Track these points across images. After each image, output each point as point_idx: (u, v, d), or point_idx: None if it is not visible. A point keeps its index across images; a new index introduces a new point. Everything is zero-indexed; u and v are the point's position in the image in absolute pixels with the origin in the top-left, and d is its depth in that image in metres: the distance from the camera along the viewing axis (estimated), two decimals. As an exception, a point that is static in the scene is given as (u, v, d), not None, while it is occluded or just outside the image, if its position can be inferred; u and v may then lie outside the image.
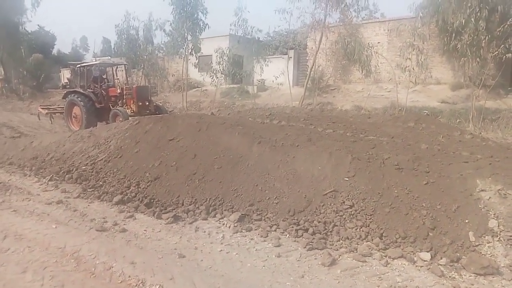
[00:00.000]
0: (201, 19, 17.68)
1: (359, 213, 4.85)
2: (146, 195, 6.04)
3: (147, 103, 12.83)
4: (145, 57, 23.90)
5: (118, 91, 13.05)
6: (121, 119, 11.63)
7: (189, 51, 17.44)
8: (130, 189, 6.29)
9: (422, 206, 4.77)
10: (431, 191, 4.95)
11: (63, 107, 14.77)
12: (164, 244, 4.45)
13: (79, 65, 15.00)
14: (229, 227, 4.98)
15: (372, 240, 4.47)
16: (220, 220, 5.19)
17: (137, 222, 5.16)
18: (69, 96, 13.82)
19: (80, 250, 4.17)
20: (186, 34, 17.20)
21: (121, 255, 4.06)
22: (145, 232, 4.82)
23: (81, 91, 13.56)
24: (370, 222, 4.72)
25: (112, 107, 12.85)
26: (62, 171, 7.46)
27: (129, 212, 5.50)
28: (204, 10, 17.80)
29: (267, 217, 5.15)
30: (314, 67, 16.31)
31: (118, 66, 15.55)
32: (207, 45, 20.80)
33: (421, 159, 5.69)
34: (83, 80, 14.16)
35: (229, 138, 6.86)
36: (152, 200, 5.83)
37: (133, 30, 22.27)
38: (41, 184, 6.97)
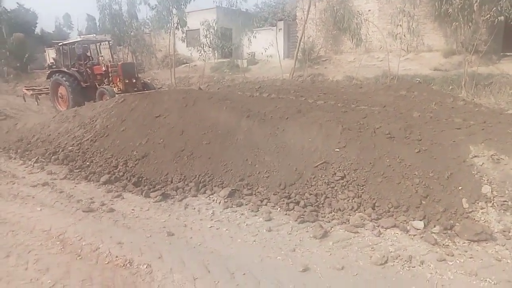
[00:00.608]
0: (186, -9, 17.01)
1: (351, 184, 4.77)
2: (134, 174, 5.91)
3: (134, 80, 12.45)
4: (130, 33, 23.18)
5: (103, 68, 12.61)
6: (107, 98, 11.33)
7: (175, 25, 16.84)
8: (118, 168, 6.15)
9: (415, 174, 4.69)
10: (423, 159, 4.86)
11: (48, 88, 14.37)
12: (152, 223, 4.35)
13: (61, 44, 14.44)
14: (219, 203, 4.88)
15: (365, 210, 4.41)
16: (210, 197, 5.09)
17: (125, 201, 5.04)
18: (54, 76, 13.38)
19: (65, 232, 4.06)
20: (171, 7, 16.56)
21: (108, 236, 3.95)
22: (133, 211, 4.71)
23: (66, 70, 13.13)
24: (362, 192, 4.65)
25: (99, 85, 12.46)
26: (48, 153, 7.27)
27: (117, 191, 5.37)
28: (189, -19, 17.11)
29: (258, 192, 5.06)
30: (303, 38, 15.83)
31: (102, 43, 15.03)
32: (194, 18, 20.17)
33: (413, 127, 5.58)
34: (67, 59, 13.67)
35: (217, 113, 6.67)
36: (140, 179, 5.70)
37: (116, 5, 21.42)
38: (26, 167, 6.80)
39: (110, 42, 15.28)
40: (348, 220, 4.24)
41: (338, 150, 5.23)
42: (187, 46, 23.46)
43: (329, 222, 4.28)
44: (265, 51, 15.80)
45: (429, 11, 16.16)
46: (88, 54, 14.37)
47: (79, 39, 13.71)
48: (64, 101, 13.15)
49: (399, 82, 11.50)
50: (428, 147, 5.04)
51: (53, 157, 7.05)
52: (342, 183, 4.81)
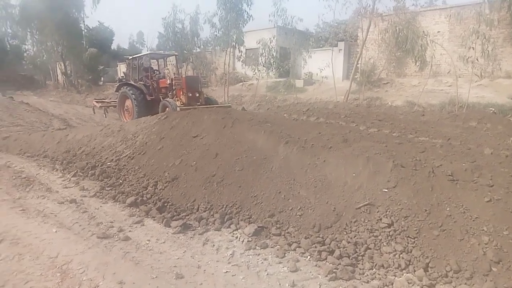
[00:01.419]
0: (245, 11, 17.07)
1: (399, 234, 3.95)
2: (161, 197, 5.58)
3: (197, 94, 12.21)
4: (193, 51, 23.80)
5: (168, 81, 12.53)
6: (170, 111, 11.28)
7: (233, 44, 16.89)
8: (147, 190, 5.88)
9: (483, 230, 3.76)
10: (495, 211, 3.91)
11: (116, 101, 14.65)
12: (164, 260, 3.89)
13: (130, 58, 14.88)
14: (242, 241, 4.32)
15: (414, 271, 3.57)
16: (234, 232, 4.54)
17: (144, 229, 4.66)
18: (122, 88, 13.64)
19: (71, 261, 3.73)
20: (229, 27, 16.67)
21: (112, 271, 3.55)
22: (148, 242, 4.30)
23: (133, 83, 13.34)
24: (413, 247, 3.81)
25: (163, 99, 12.39)
26: (88, 167, 7.26)
27: (139, 216, 5.04)
28: (249, 1, 17.17)
29: (288, 232, 4.41)
30: (361, 58, 14.96)
31: (169, 57, 15.17)
32: (253, 37, 20.15)
33: (483, 169, 4.60)
34: (135, 73, 13.94)
35: (254, 136, 6.17)
36: (165, 204, 5.34)
37: (179, 23, 22.16)
38: (63, 180, 6.78)
39: (176, 55, 15.40)
40: (392, 283, 3.43)
41: (386, 190, 4.44)
42: (242, 65, 23.50)
43: (367, 282, 3.50)
44: (321, 71, 15.13)
45: (508, 33, 14.53)
46: (156, 68, 14.65)
47: (147, 52, 14.04)
48: (129, 114, 13.27)
49: (469, 111, 10.20)
50: (502, 196, 4.07)
51: (90, 171, 7.00)
52: (389, 232, 4.01)
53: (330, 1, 14.43)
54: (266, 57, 15.69)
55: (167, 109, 11.58)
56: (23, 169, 7.36)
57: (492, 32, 11.58)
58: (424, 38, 12.23)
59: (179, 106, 11.29)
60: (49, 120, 16.45)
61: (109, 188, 6.15)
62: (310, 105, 11.52)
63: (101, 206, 5.45)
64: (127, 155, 7.42)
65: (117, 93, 14.19)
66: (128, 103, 13.28)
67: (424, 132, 7.02)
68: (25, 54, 42.37)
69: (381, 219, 4.14)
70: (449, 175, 4.43)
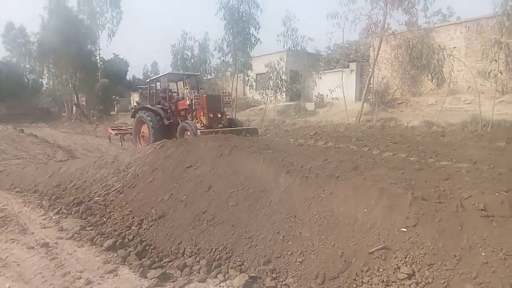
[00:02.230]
0: (253, 34, 16.76)
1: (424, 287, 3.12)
2: (144, 238, 4.90)
3: (219, 115, 11.06)
4: (204, 78, 23.61)
5: (188, 102, 11.43)
6: (189, 134, 10.27)
7: (239, 68, 16.51)
8: (131, 229, 5.22)
9: (533, 283, 2.91)
10: (546, 257, 3.06)
11: (132, 128, 13.69)
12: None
13: (147, 81, 14.13)
14: (230, 297, 3.54)
15: None
16: (221, 285, 3.77)
17: (115, 281, 3.94)
18: (138, 113, 12.60)
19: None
20: (236, 50, 16.33)
21: None
22: (115, 300, 3.57)
23: (150, 107, 12.37)
24: (442, 306, 2.97)
25: (181, 122, 11.32)
26: (74, 203, 6.67)
27: (115, 263, 4.34)
28: (256, 24, 16.89)
29: (285, 284, 3.62)
30: (373, 77, 14.25)
31: (189, 78, 13.81)
32: (263, 61, 19.72)
33: (524, 200, 3.76)
34: (152, 96, 13.02)
35: (253, 165, 5.47)
36: (147, 247, 4.63)
37: (188, 50, 22.07)
38: (44, 219, 6.16)
39: (197, 76, 14.23)
40: None
41: (405, 230, 3.63)
42: (250, 89, 22.98)
43: None
44: (331, 93, 14.48)
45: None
46: (174, 90, 13.72)
47: (165, 73, 13.08)
48: (145, 140, 12.26)
49: (494, 130, 9.28)
50: (554, 237, 3.21)
51: (75, 208, 6.41)
52: (409, 285, 3.18)
53: (339, 19, 13.84)
54: (274, 80, 15.18)
55: (186, 132, 10.58)
56: (6, 206, 6.79)
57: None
58: (441, 52, 11.45)
59: (199, 129, 10.26)
60: (54, 152, 16.20)
61: (90, 228, 5.50)
62: (319, 128, 10.79)
63: (75, 251, 4.77)
64: (116, 189, 6.81)
65: (133, 118, 13.14)
66: (144, 128, 12.29)
67: (446, 155, 6.20)
68: (44, 88, 43.53)
69: (399, 268, 3.32)
70: (482, 210, 3.59)
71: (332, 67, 23.43)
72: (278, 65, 15.34)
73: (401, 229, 3.63)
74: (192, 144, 6.92)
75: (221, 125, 10.86)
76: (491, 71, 9.90)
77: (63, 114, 39.71)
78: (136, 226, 5.26)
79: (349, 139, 7.61)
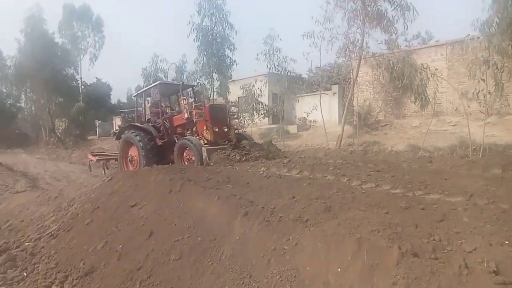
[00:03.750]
0: (228, 56, 16.09)
1: None
2: (60, 306, 3.79)
3: (226, 129, 9.44)
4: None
5: (186, 115, 9.55)
6: (191, 156, 8.59)
7: (215, 91, 15.74)
8: (49, 291, 4.10)
9: None
10: None
11: (117, 153, 11.64)
12: None
13: (135, 95, 12.24)
14: None
15: None
16: None
17: None
18: (125, 133, 10.67)
19: None
20: (211, 72, 15.59)
21: None
22: None
23: (139, 125, 10.51)
24: None
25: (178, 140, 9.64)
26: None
27: None
28: (231, 46, 16.24)
29: None
30: (354, 99, 13.60)
31: (183, 91, 11.33)
32: (241, 86, 19.04)
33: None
34: (140, 113, 11.21)
35: (205, 205, 4.48)
36: (59, 320, 3.54)
37: (160, 72, 21.23)
38: (-47, 273, 5.00)
39: (194, 88, 12.18)
40: None
41: (391, 302, 2.66)
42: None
43: None
44: (307, 115, 13.75)
45: (514, 67, 13.23)
46: (167, 104, 11.85)
47: (156, 83, 11.18)
48: (134, 165, 10.42)
49: (487, 155, 8.52)
50: None
51: (-4, 258, 5.25)
52: None
53: (315, 38, 13.23)
54: (250, 103, 14.43)
55: (187, 151, 8.91)
56: None
57: (504, 60, 10.00)
58: (423, 71, 10.83)
59: (204, 146, 8.65)
60: (14, 182, 14.87)
61: (2, 288, 4.39)
62: (297, 153, 9.89)
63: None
64: (51, 232, 5.72)
65: (118, 141, 11.23)
66: (132, 151, 10.45)
67: (436, 186, 5.35)
68: (24, 112, 42.06)
69: None
70: (493, 272, 2.65)
71: (314, 90, 22.98)
72: (253, 87, 14.62)
73: (386, 300, 2.65)
74: (142, 177, 5.91)
75: (227, 141, 9.26)
76: (479, 91, 9.26)
77: (40, 139, 38.38)
78: (57, 285, 4.16)
79: (327, 167, 6.70)
